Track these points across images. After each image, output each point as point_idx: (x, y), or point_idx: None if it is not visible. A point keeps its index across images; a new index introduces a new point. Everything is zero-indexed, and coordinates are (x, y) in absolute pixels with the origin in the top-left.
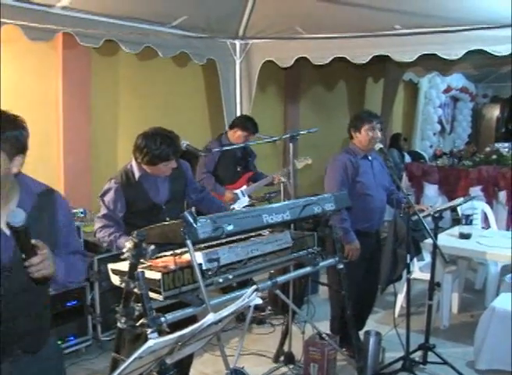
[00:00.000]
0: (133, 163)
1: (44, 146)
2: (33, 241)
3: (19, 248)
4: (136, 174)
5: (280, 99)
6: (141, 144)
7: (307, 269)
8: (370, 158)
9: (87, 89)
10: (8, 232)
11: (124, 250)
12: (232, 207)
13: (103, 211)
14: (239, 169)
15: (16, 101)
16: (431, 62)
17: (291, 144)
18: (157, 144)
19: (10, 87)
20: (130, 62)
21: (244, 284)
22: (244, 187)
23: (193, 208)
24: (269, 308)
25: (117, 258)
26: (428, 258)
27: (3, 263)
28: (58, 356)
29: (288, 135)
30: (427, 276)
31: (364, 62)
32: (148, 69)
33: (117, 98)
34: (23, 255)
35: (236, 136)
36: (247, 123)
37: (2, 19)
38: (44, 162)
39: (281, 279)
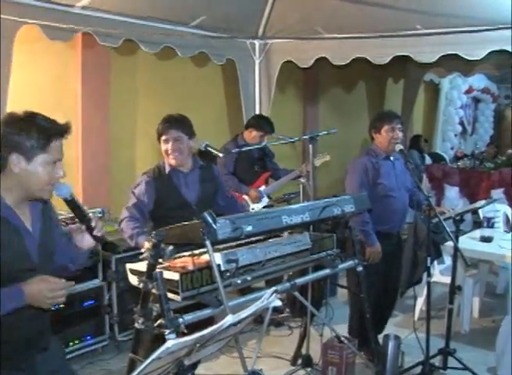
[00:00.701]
0: (165, 160)
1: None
2: None
3: (74, 213)
4: (167, 168)
5: (299, 100)
6: None
7: (326, 271)
8: (392, 158)
9: (105, 89)
10: (31, 230)
11: (142, 250)
12: (251, 208)
13: (132, 201)
14: (256, 169)
15: (33, 102)
16: (452, 63)
17: (310, 145)
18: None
19: (28, 88)
20: (149, 62)
21: (272, 283)
22: (263, 187)
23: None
24: (287, 310)
25: (135, 258)
26: (448, 261)
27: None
28: (63, 354)
29: (307, 136)
30: (447, 279)
31: (384, 62)
32: (167, 70)
33: (135, 98)
34: (77, 220)
35: (251, 136)
36: (261, 123)
37: (23, 19)
38: (63, 162)
39: (300, 281)
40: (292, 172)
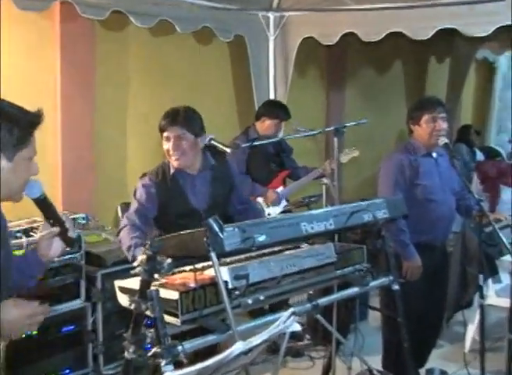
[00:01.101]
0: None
1: (39, 141)
2: None
3: (45, 215)
4: (172, 169)
5: (322, 84)
6: None
7: (355, 289)
8: (434, 155)
9: (90, 71)
10: None
11: (135, 264)
12: (267, 213)
13: (133, 207)
14: (272, 167)
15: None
16: None
17: (335, 139)
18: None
19: None
20: (142, 39)
21: (277, 308)
22: (281, 188)
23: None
24: (308, 337)
25: (126, 273)
26: (506, 279)
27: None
28: None
29: (332, 128)
30: (505, 302)
31: (426, 37)
32: (163, 48)
33: (126, 82)
34: (51, 221)
35: (265, 126)
36: (273, 109)
37: None
38: (39, 159)
39: (322, 301)
40: (313, 170)
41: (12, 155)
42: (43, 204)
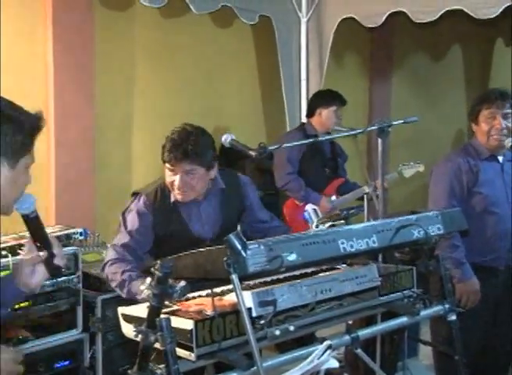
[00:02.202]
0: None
1: None
2: None
3: (33, 237)
4: (173, 196)
5: (364, 73)
6: None
7: (403, 319)
8: (501, 159)
9: (88, 57)
10: None
11: (142, 295)
12: (314, 224)
13: (123, 238)
14: (327, 172)
15: None
16: None
17: (380, 140)
18: (166, 143)
19: None
20: (150, 21)
21: (304, 341)
22: (333, 197)
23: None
24: (347, 374)
25: (130, 299)
26: None
27: None
28: None
29: (375, 126)
30: None
31: (491, 16)
32: (176, 32)
33: (131, 70)
34: (38, 244)
35: (323, 118)
36: (326, 96)
37: None
38: None
39: (364, 333)
40: (359, 188)
41: (15, 163)
42: (33, 222)
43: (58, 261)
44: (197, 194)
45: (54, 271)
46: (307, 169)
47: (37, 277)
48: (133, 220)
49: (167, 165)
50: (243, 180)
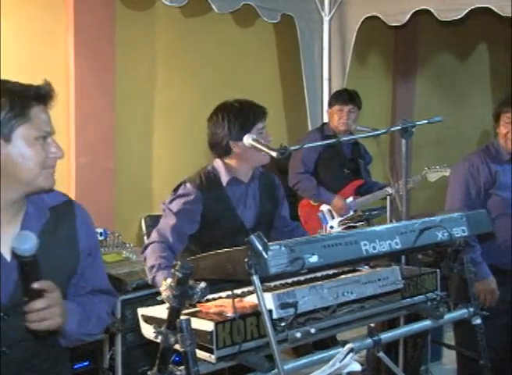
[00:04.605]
0: (218, 163)
1: None
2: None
3: (23, 285)
4: (224, 178)
5: (387, 73)
6: (218, 119)
7: (426, 323)
8: None
9: (109, 57)
10: (8, 258)
11: (161, 289)
12: (329, 225)
13: (169, 220)
14: (346, 173)
15: (6, 72)
16: None
17: (403, 140)
18: (237, 107)
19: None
20: (172, 21)
21: (323, 344)
22: (350, 198)
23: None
24: None
25: (151, 299)
26: None
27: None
28: None
29: (399, 126)
30: None
31: None
32: (197, 31)
33: (152, 70)
34: (25, 297)
35: (335, 118)
36: (335, 94)
37: None
38: None
39: (386, 336)
40: (380, 190)
41: (9, 134)
42: (31, 266)
43: (32, 317)
44: None
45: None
46: (324, 169)
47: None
48: (181, 204)
49: (257, 125)
50: (274, 176)
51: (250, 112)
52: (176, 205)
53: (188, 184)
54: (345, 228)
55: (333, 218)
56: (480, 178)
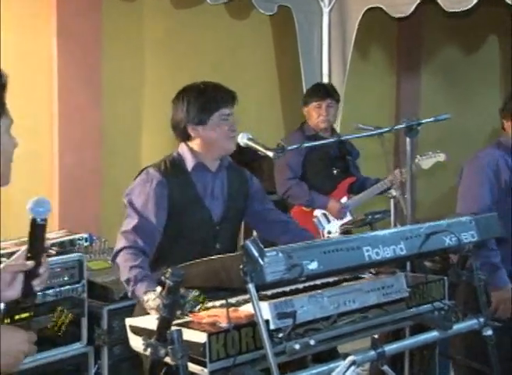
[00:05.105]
0: (183, 148)
1: (30, 139)
2: None
3: (29, 244)
4: (189, 163)
5: (390, 68)
6: (180, 102)
7: (433, 334)
8: None
9: (95, 50)
10: None
11: (145, 303)
12: (326, 230)
13: (131, 220)
14: (335, 173)
15: None
16: None
17: (408, 139)
18: (200, 88)
19: None
20: (161, 12)
21: (323, 357)
22: (344, 198)
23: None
24: None
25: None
26: None
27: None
28: None
29: (403, 125)
30: None
31: None
32: (188, 23)
33: (141, 64)
34: (29, 255)
35: (314, 116)
36: (312, 91)
37: None
38: (31, 162)
39: (391, 348)
40: (380, 181)
41: None
42: (37, 230)
43: (37, 283)
44: None
45: (27, 291)
46: (312, 171)
47: (13, 290)
48: (142, 192)
49: (220, 111)
50: (244, 170)
51: (214, 95)
52: (138, 198)
53: (151, 169)
54: (342, 232)
55: (329, 222)
56: (501, 176)
